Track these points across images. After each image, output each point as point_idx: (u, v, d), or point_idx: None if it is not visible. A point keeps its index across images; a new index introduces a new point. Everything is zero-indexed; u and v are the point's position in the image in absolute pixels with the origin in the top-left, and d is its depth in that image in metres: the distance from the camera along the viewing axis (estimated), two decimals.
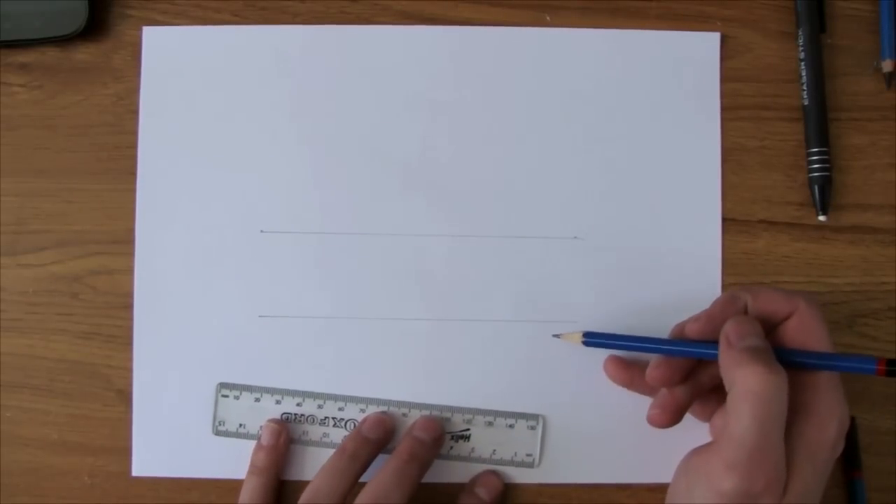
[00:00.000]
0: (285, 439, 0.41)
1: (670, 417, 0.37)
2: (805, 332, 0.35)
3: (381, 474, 0.38)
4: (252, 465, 0.40)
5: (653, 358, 0.37)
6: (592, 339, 0.39)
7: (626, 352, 0.40)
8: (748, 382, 0.32)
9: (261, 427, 0.41)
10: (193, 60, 0.42)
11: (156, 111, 0.42)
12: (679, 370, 0.37)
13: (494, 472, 0.41)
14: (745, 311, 0.37)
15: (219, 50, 0.42)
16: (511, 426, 0.41)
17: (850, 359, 0.35)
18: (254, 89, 0.42)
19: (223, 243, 0.42)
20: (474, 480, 0.41)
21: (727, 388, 0.34)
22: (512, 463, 0.41)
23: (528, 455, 0.41)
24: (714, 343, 0.36)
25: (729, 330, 0.35)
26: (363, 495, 0.37)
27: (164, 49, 0.42)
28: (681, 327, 0.38)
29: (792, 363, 0.34)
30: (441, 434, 0.40)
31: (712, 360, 0.37)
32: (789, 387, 0.33)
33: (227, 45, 0.42)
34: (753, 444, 0.32)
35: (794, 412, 0.33)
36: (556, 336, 0.41)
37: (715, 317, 0.37)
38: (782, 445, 0.32)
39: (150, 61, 0.42)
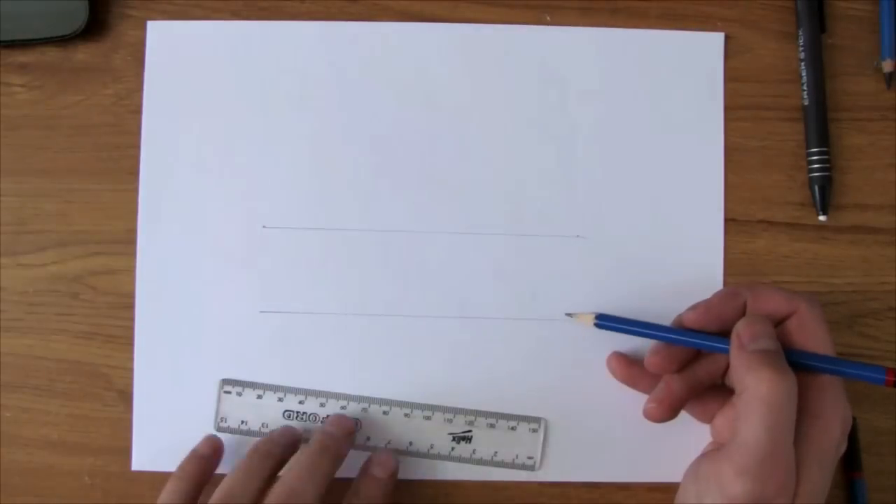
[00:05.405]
0: (219, 457, 0.40)
1: (666, 411, 0.38)
2: (806, 333, 0.35)
3: (293, 467, 0.37)
4: (181, 470, 0.38)
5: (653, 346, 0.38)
6: (605, 321, 0.39)
7: (631, 349, 0.40)
8: (759, 388, 0.32)
9: (263, 424, 0.41)
10: (196, 56, 0.42)
11: (159, 107, 0.42)
12: (677, 359, 0.37)
13: (389, 451, 0.40)
14: (745, 308, 0.37)
15: (221, 45, 0.42)
16: (513, 428, 0.41)
17: (858, 367, 0.35)
18: (257, 85, 0.42)
19: (225, 239, 0.42)
20: (370, 459, 0.39)
21: (737, 391, 0.34)
22: (513, 465, 0.41)
23: (530, 458, 0.41)
24: (720, 336, 0.36)
25: (741, 330, 0.35)
26: (277, 487, 0.36)
27: (168, 44, 0.42)
28: (680, 317, 0.38)
29: (800, 365, 0.34)
30: (352, 430, 0.40)
31: (711, 355, 0.38)
32: None
33: (230, 41, 0.42)
34: (764, 450, 0.32)
35: (800, 414, 0.33)
36: (570, 315, 0.40)
37: (713, 309, 0.37)
38: (792, 449, 0.32)
39: (153, 57, 0.42)
